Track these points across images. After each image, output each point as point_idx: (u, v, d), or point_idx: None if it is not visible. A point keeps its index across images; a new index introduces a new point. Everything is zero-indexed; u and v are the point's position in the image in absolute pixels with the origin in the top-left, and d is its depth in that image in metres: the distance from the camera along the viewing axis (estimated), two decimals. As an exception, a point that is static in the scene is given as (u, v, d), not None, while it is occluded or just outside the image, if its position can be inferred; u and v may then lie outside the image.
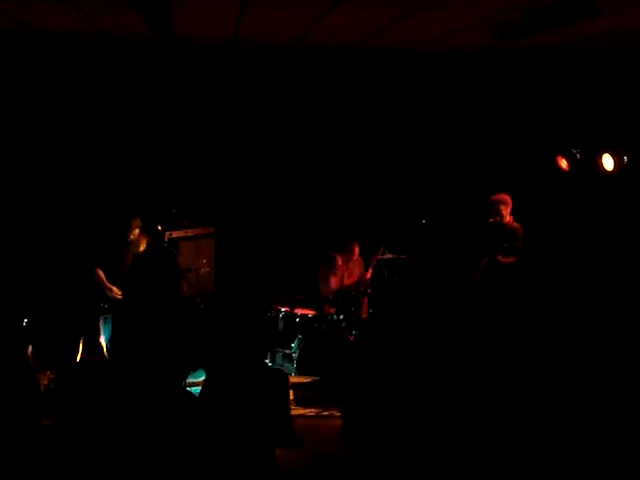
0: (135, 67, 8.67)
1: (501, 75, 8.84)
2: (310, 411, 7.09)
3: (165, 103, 9.00)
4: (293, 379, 7.39)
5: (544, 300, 8.28)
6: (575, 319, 7.94)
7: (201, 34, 7.08)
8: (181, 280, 8.12)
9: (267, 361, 8.34)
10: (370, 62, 8.66)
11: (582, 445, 4.85)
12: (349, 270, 8.71)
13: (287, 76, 9.04)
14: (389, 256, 8.49)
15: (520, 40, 6.13)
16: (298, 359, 7.87)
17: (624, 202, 8.24)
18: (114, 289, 7.69)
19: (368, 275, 8.50)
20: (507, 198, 7.89)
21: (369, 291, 8.52)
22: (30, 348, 7.04)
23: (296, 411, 6.89)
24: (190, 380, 7.78)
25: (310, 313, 8.37)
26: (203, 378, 7.93)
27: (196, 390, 7.51)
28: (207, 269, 8.18)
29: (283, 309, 8.40)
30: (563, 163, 8.27)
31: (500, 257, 7.74)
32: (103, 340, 7.74)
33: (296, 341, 8.05)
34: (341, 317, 8.18)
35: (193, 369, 7.94)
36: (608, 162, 7.59)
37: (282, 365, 8.21)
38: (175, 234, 8.75)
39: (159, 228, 7.73)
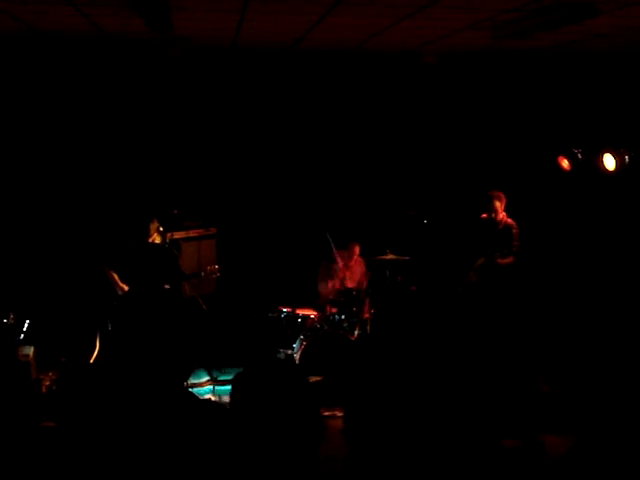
0: (136, 68, 8.68)
1: (502, 75, 8.86)
2: (312, 411, 7.08)
3: (166, 104, 9.01)
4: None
5: (544, 300, 8.29)
6: (576, 319, 7.95)
7: (201, 35, 7.10)
8: (184, 282, 8.11)
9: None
10: (370, 63, 8.67)
11: (582, 445, 4.85)
12: (350, 270, 8.72)
13: (287, 77, 9.04)
14: (391, 257, 8.49)
15: (520, 40, 6.14)
16: (300, 359, 7.87)
17: (625, 202, 8.26)
18: (126, 288, 7.66)
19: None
20: (502, 195, 8.05)
21: (370, 291, 8.52)
22: (33, 349, 7.07)
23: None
24: (192, 381, 7.81)
25: (312, 313, 8.38)
26: (204, 379, 7.98)
27: (198, 391, 7.56)
28: (218, 275, 8.16)
29: (285, 309, 8.41)
30: (564, 163, 8.26)
31: (498, 259, 7.81)
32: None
33: (298, 341, 8.05)
34: (343, 317, 8.18)
35: (194, 370, 7.96)
36: (609, 162, 7.58)
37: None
38: (177, 235, 8.76)
39: (161, 229, 7.72)
